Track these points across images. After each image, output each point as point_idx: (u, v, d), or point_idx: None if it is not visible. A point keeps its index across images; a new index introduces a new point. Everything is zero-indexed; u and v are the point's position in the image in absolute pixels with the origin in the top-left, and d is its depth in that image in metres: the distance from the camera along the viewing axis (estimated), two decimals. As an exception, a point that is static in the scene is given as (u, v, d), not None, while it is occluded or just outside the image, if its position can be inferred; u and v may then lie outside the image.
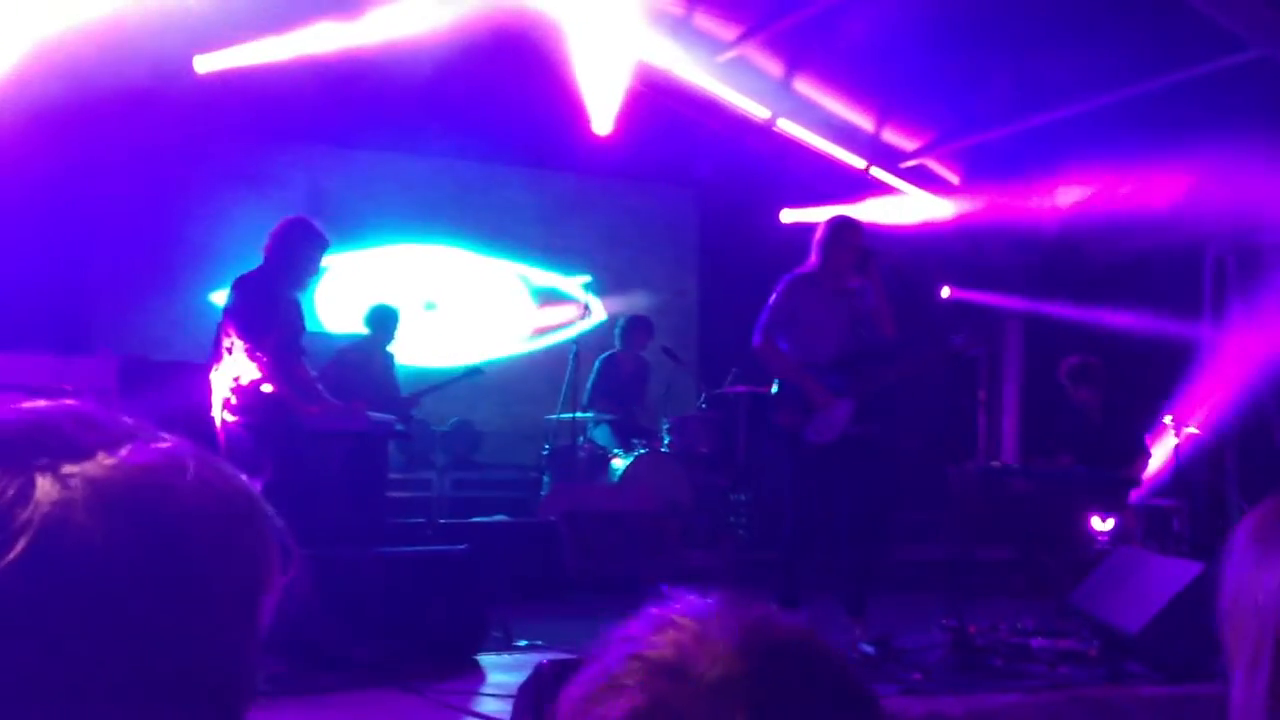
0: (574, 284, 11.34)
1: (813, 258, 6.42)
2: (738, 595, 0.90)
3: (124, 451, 0.83)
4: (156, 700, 0.78)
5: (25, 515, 0.76)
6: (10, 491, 0.77)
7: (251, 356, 5.98)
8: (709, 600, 0.89)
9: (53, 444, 0.81)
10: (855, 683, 0.87)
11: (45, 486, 0.78)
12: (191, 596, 0.81)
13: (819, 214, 10.49)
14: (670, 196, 12.00)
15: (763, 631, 0.86)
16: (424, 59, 9.44)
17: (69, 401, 0.86)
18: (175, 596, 0.80)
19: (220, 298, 9.86)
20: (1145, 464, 8.41)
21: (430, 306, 10.26)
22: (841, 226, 6.44)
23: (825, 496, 6.28)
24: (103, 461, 0.81)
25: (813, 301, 6.33)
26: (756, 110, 11.24)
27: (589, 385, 9.92)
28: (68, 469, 0.79)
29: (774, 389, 6.43)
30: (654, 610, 0.88)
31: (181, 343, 8.78)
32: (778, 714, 0.80)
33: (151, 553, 0.79)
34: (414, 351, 10.27)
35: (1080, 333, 10.21)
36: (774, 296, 6.37)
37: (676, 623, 0.85)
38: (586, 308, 10.05)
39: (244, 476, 0.89)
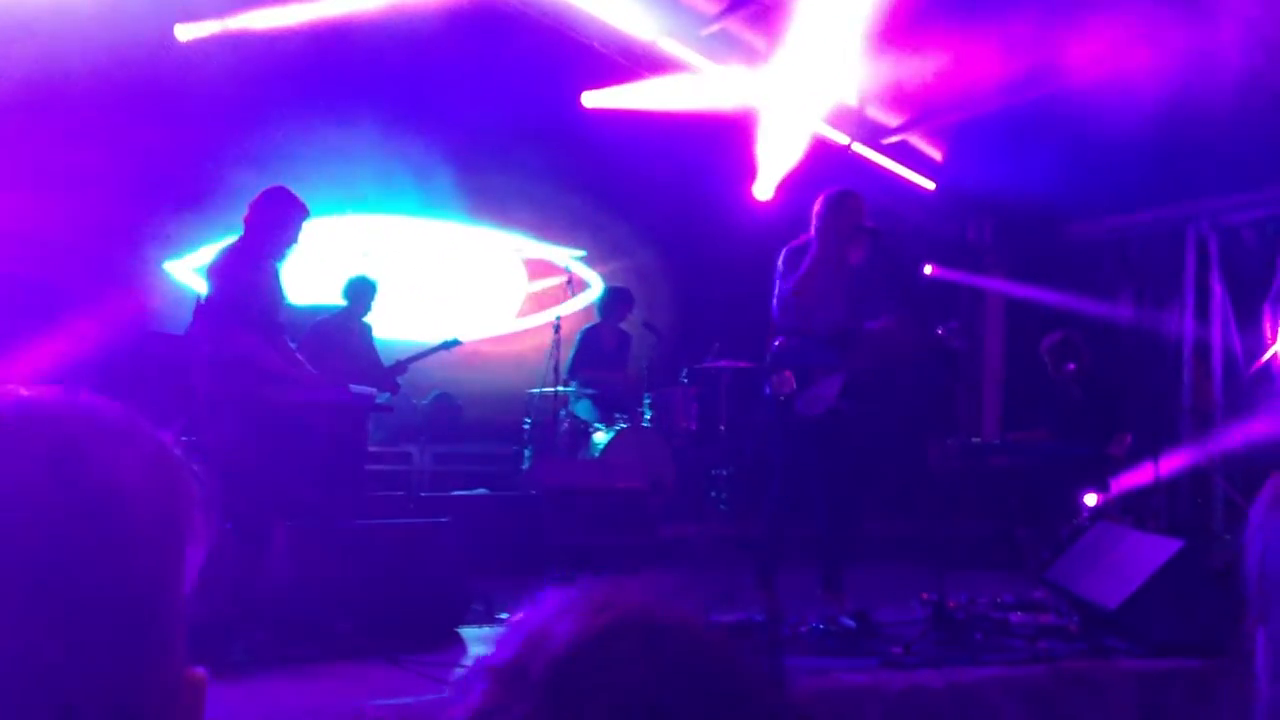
0: (567, 256, 11.32)
1: (812, 230, 6.41)
2: (599, 581, 0.90)
3: (25, 389, 0.83)
4: (65, 620, 0.77)
5: None
6: None
7: (233, 325, 5.95)
8: (566, 595, 0.90)
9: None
10: (726, 668, 0.85)
11: None
12: (98, 513, 0.80)
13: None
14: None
15: (599, 625, 0.85)
16: (410, 27, 9.43)
17: None
18: (80, 513, 0.79)
19: (176, 267, 9.88)
20: (1125, 441, 8.44)
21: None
22: (840, 199, 6.40)
23: (809, 469, 6.30)
24: (5, 396, 0.81)
25: (810, 271, 6.32)
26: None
27: (570, 358, 9.90)
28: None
29: (768, 359, 6.43)
30: (517, 614, 0.91)
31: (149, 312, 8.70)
32: (600, 711, 0.80)
33: (55, 470, 0.78)
34: (396, 324, 10.24)
35: (1061, 309, 10.24)
36: (778, 269, 6.38)
37: (524, 627, 0.88)
38: (570, 282, 10.01)
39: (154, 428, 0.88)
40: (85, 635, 0.78)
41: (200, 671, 0.87)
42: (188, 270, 9.90)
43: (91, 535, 0.79)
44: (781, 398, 6.27)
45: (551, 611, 0.87)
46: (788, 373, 6.27)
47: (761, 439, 8.53)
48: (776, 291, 6.41)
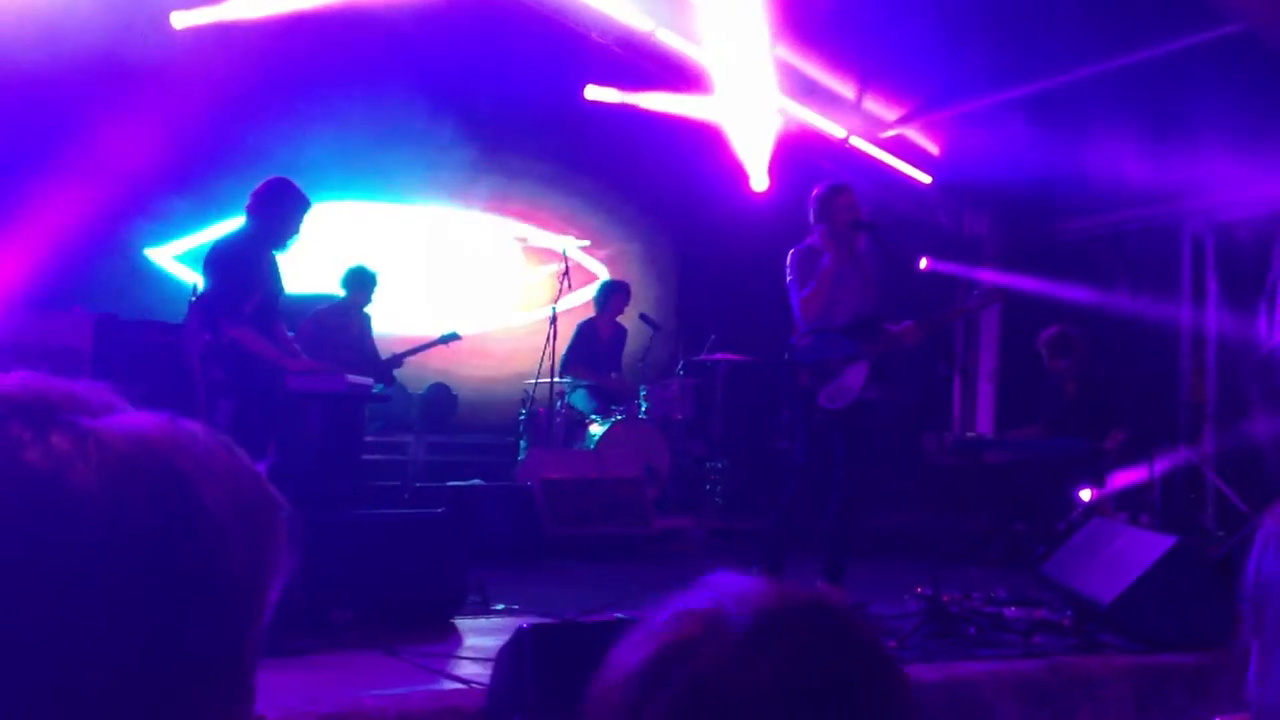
0: (571, 245, 11.32)
1: (816, 227, 6.44)
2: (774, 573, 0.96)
3: (133, 417, 0.82)
4: (149, 677, 0.76)
5: (34, 458, 0.76)
6: (25, 436, 0.76)
7: (232, 315, 5.95)
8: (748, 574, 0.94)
9: (67, 404, 0.81)
10: (885, 662, 0.91)
11: (59, 437, 0.77)
12: (201, 554, 0.79)
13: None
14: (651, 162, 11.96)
15: (799, 596, 0.91)
16: (410, 13, 9.44)
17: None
18: (184, 555, 0.78)
19: (158, 254, 9.88)
20: (1120, 437, 8.46)
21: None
22: (830, 193, 6.43)
23: (835, 462, 6.32)
24: (115, 423, 0.80)
25: (824, 268, 6.35)
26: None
27: (566, 350, 9.90)
28: (83, 424, 0.79)
29: (789, 355, 6.44)
30: (710, 578, 0.94)
31: (124, 299, 8.67)
32: (795, 672, 0.84)
33: (160, 508, 0.78)
34: (396, 316, 10.23)
35: (1056, 304, 10.25)
36: (791, 270, 6.40)
37: (723, 584, 0.92)
38: (566, 272, 10.00)
39: (250, 461, 0.88)
40: (171, 673, 0.77)
41: (264, 716, 0.87)
42: (171, 257, 9.89)
43: (188, 572, 0.78)
44: (805, 392, 6.30)
45: (752, 579, 0.93)
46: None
47: (784, 433, 8.56)
48: (793, 294, 6.43)
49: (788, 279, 6.45)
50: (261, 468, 0.88)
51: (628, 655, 0.88)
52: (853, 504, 6.31)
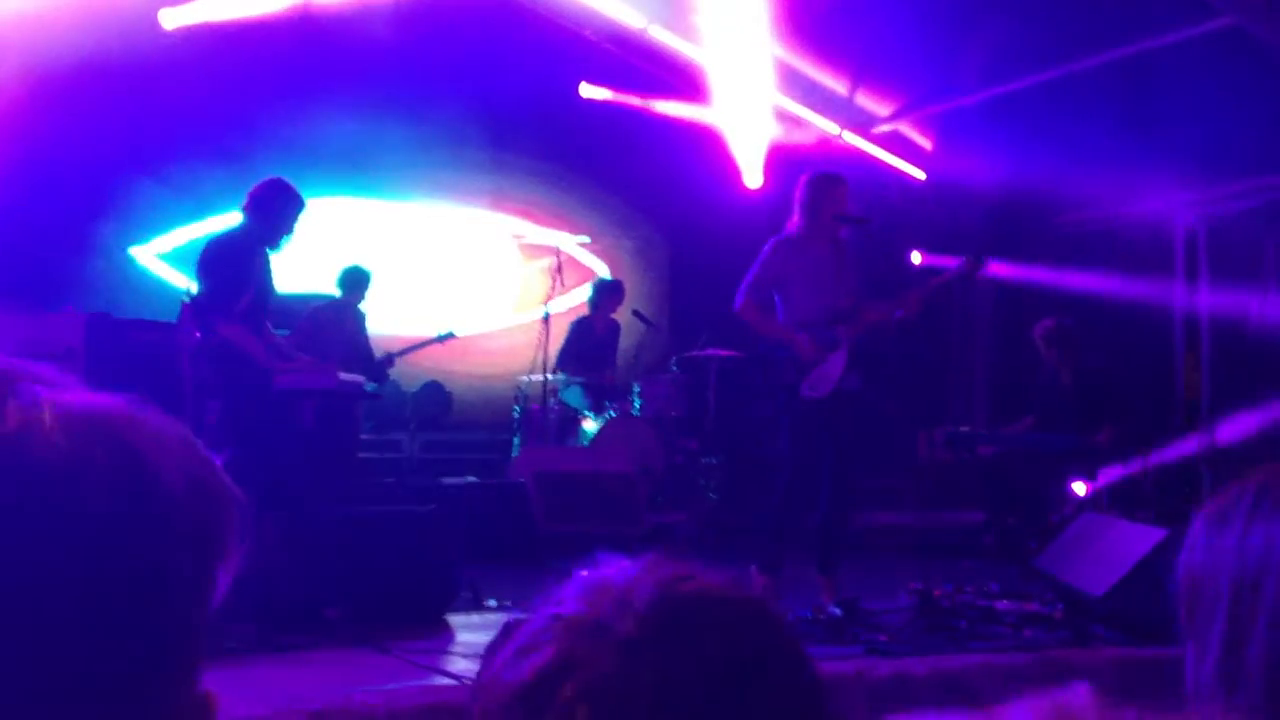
0: (572, 241, 11.33)
1: (795, 217, 6.36)
2: (668, 556, 0.91)
3: (91, 393, 0.84)
4: (101, 630, 0.77)
5: None
6: None
7: (224, 313, 5.95)
8: (636, 562, 0.90)
9: (26, 377, 0.82)
10: (784, 645, 0.87)
11: (17, 404, 0.79)
12: (151, 527, 0.80)
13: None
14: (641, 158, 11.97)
15: (683, 591, 0.87)
16: (404, 10, 9.47)
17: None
18: (135, 525, 0.80)
19: (140, 253, 9.89)
20: (1113, 430, 8.46)
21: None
22: (822, 182, 6.35)
23: (819, 452, 6.27)
24: (74, 395, 0.82)
25: (801, 260, 6.28)
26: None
27: (561, 348, 9.91)
28: (42, 395, 0.80)
29: (763, 348, 6.39)
30: (580, 574, 0.90)
31: (104, 298, 8.68)
32: (686, 672, 0.81)
33: (115, 477, 0.79)
34: (391, 315, 10.23)
35: (1050, 296, 10.26)
36: (759, 258, 6.32)
37: (599, 584, 0.87)
38: (559, 269, 10.00)
39: (206, 449, 0.89)
40: (114, 644, 0.78)
41: (212, 691, 0.88)
42: (154, 255, 9.90)
43: (138, 544, 0.80)
44: (784, 386, 6.25)
45: (628, 573, 0.88)
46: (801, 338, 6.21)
47: (765, 430, 8.54)
48: (745, 282, 6.34)
49: (754, 264, 6.34)
50: (219, 459, 0.89)
51: (508, 672, 0.85)
52: (842, 496, 6.29)
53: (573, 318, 10.25)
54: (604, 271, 11.67)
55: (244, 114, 9.49)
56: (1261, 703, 1.18)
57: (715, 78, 10.71)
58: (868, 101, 11.72)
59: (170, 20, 9.23)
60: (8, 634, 0.75)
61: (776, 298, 6.36)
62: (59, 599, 0.76)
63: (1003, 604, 6.16)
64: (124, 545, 0.79)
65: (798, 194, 6.37)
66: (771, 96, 11.03)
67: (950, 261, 6.92)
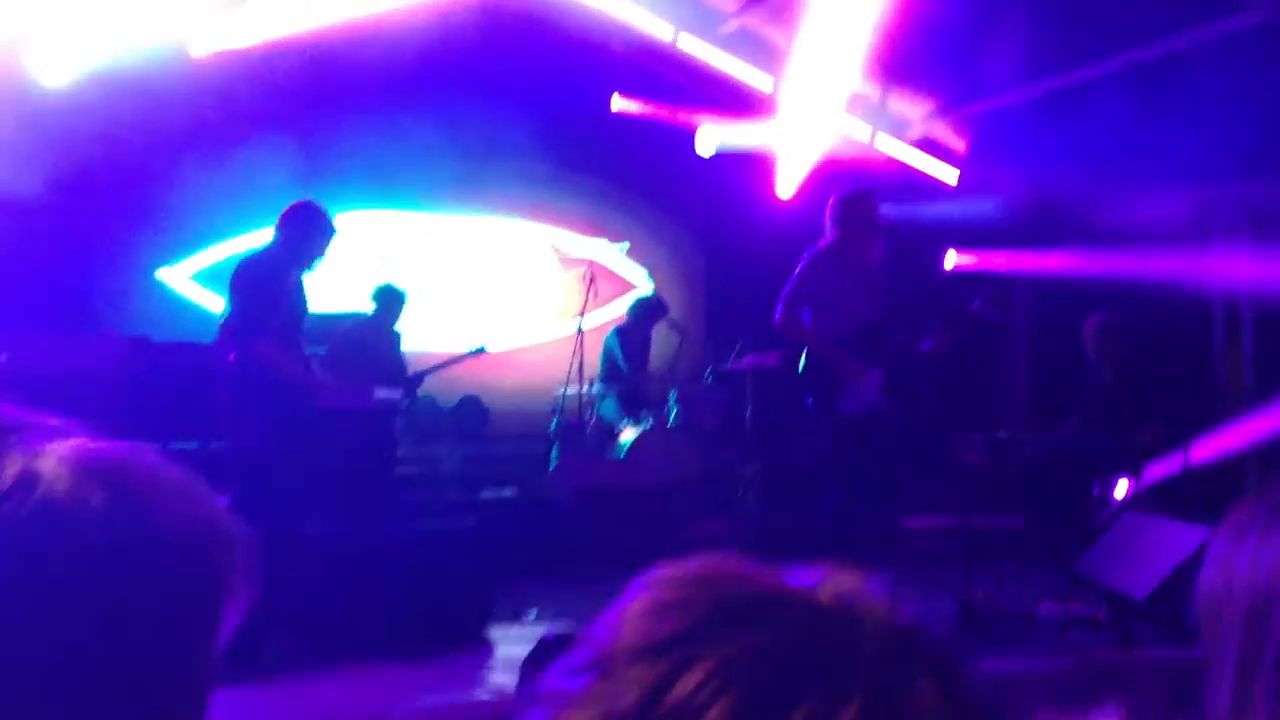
0: (603, 249, 11.32)
1: (830, 232, 6.43)
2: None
3: (90, 440, 0.84)
4: (106, 673, 0.77)
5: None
6: None
7: (257, 334, 5.99)
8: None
9: (20, 428, 0.83)
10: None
11: (15, 457, 0.79)
12: (154, 571, 0.81)
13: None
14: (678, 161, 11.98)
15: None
16: (434, 22, 9.55)
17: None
18: (137, 570, 0.80)
19: (170, 273, 9.98)
20: (1156, 429, 8.37)
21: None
22: (856, 199, 6.44)
23: (858, 466, 6.31)
24: (71, 443, 0.82)
25: (835, 275, 6.35)
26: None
27: (601, 366, 9.89)
28: (39, 447, 0.81)
29: (802, 363, 6.43)
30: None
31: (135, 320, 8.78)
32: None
33: (116, 524, 0.79)
34: (426, 329, 10.27)
35: (1091, 297, 10.14)
36: (797, 272, 6.39)
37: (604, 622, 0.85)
38: (591, 280, 10.00)
39: (208, 489, 0.90)
40: (119, 686, 0.78)
41: None
42: (184, 276, 10.00)
43: (141, 588, 0.80)
44: (821, 401, 6.28)
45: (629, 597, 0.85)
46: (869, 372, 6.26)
47: (803, 441, 8.53)
48: (785, 295, 6.38)
49: (793, 275, 6.39)
50: (223, 501, 0.90)
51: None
52: (884, 505, 6.31)
53: (606, 329, 10.23)
54: (639, 280, 11.68)
55: (275, 131, 9.56)
56: None
57: (779, 93, 10.76)
58: (899, 105, 11.67)
59: (199, 48, 9.31)
60: (14, 681, 0.75)
61: (808, 310, 6.38)
62: (63, 645, 0.76)
63: (1046, 607, 6.11)
64: (127, 591, 0.79)
65: (829, 211, 6.45)
66: (836, 113, 11.05)
67: (987, 265, 6.89)
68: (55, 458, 0.81)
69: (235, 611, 0.88)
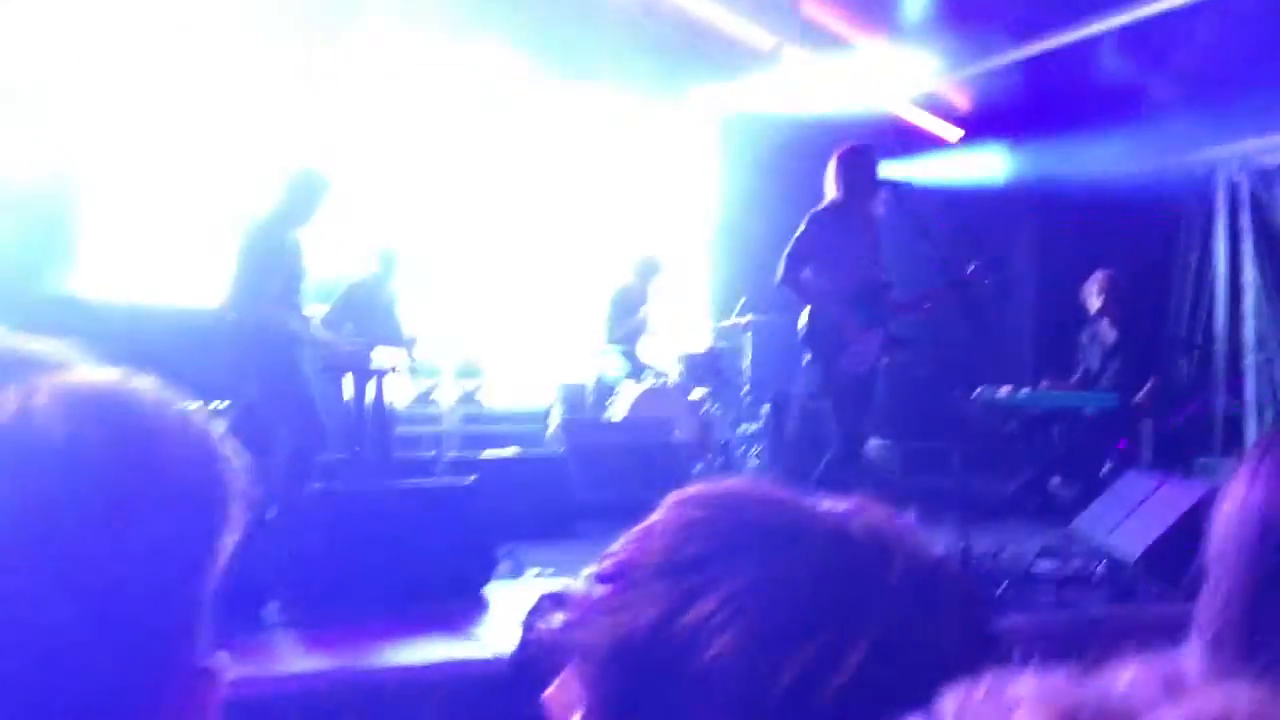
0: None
1: (831, 190, 6.43)
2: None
3: (84, 370, 0.85)
4: (103, 603, 0.78)
5: None
6: None
7: (256, 295, 6.02)
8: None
9: (25, 359, 0.83)
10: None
11: (10, 393, 0.80)
12: (151, 504, 0.81)
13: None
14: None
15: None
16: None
17: None
18: (134, 504, 0.80)
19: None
20: (1156, 387, 8.40)
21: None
22: (857, 156, 6.44)
23: (860, 423, 6.38)
24: (65, 375, 0.83)
25: (836, 234, 6.37)
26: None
27: (609, 321, 9.87)
28: (33, 380, 0.81)
29: (804, 322, 6.45)
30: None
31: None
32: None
33: (114, 457, 0.80)
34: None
35: (1092, 256, 10.13)
36: (799, 231, 6.41)
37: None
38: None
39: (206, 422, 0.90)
40: (112, 612, 0.79)
41: (220, 661, 0.88)
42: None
43: (139, 521, 0.80)
44: (823, 359, 6.33)
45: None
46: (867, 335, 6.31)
47: (805, 398, 8.58)
48: (787, 255, 6.41)
49: (794, 238, 6.41)
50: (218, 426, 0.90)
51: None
52: (853, 459, 6.37)
53: (609, 288, 10.22)
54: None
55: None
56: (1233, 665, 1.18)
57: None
58: (903, 63, 11.59)
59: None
60: (8, 612, 0.76)
61: (811, 270, 6.39)
62: (60, 577, 0.77)
63: (1044, 565, 6.13)
64: (124, 524, 0.80)
65: (831, 168, 6.44)
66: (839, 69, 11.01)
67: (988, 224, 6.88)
68: (51, 392, 0.81)
69: (231, 541, 0.89)
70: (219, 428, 0.90)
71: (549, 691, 0.86)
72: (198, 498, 0.85)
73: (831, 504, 0.87)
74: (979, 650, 0.81)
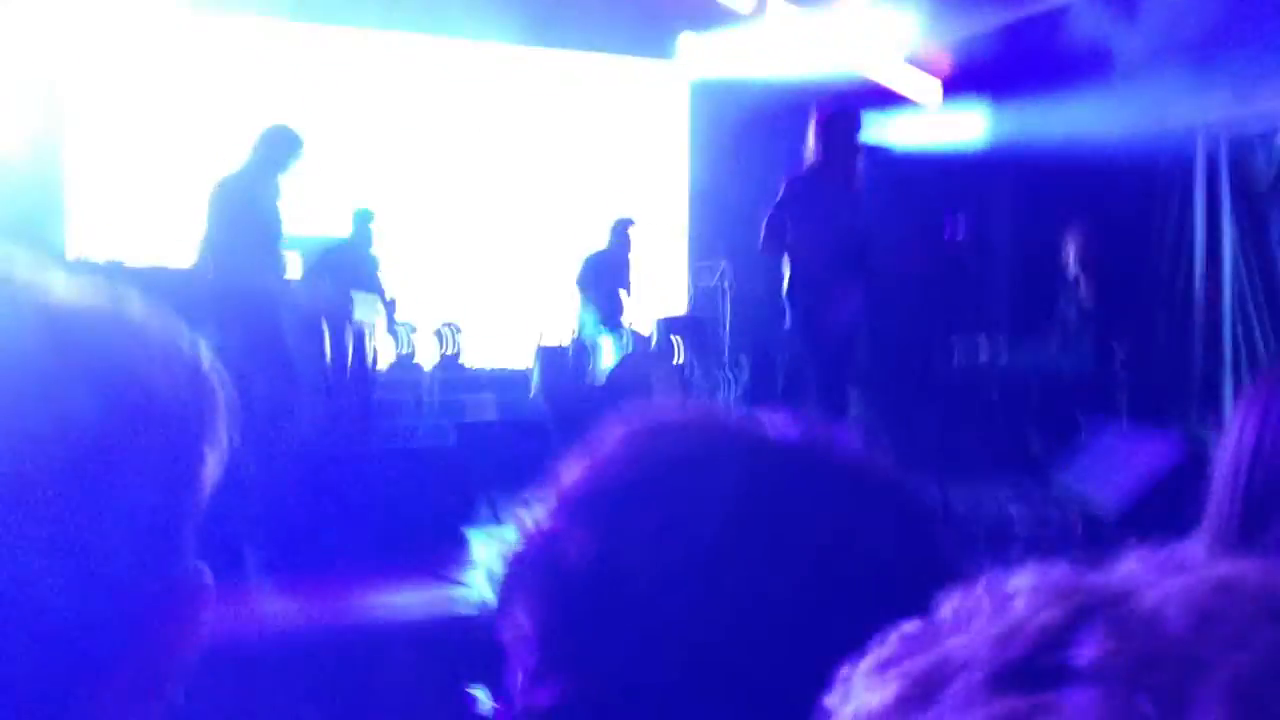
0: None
1: (811, 152, 6.40)
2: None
3: (73, 285, 0.84)
4: (89, 512, 0.78)
5: None
6: None
7: (232, 254, 6.02)
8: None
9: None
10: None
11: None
12: (134, 422, 0.80)
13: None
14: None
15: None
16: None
17: None
18: (118, 422, 0.79)
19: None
20: (1134, 343, 8.44)
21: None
22: (837, 118, 6.39)
23: (835, 384, 6.40)
24: (49, 285, 0.82)
25: (817, 195, 6.32)
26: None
27: (587, 284, 9.85)
28: (21, 296, 0.80)
29: (785, 283, 6.45)
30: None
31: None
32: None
33: (97, 377, 0.79)
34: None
35: (1071, 216, 10.16)
36: (778, 197, 6.39)
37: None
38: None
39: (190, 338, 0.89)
40: (100, 524, 0.79)
41: (206, 572, 0.87)
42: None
43: (123, 440, 0.80)
44: (802, 319, 6.34)
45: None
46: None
47: (786, 364, 8.61)
48: (767, 222, 6.41)
49: (774, 206, 6.40)
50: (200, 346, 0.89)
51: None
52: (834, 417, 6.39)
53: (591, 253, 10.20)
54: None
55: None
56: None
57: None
58: (881, 28, 11.56)
59: None
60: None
61: (791, 233, 6.38)
62: (43, 493, 0.76)
63: (1022, 519, 6.17)
64: (108, 443, 0.79)
65: (809, 130, 6.41)
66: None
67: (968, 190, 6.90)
68: (33, 312, 0.80)
69: (216, 458, 0.88)
70: (205, 351, 0.89)
71: (498, 621, 0.85)
72: (181, 414, 0.84)
73: (774, 425, 0.86)
74: (930, 567, 0.79)
